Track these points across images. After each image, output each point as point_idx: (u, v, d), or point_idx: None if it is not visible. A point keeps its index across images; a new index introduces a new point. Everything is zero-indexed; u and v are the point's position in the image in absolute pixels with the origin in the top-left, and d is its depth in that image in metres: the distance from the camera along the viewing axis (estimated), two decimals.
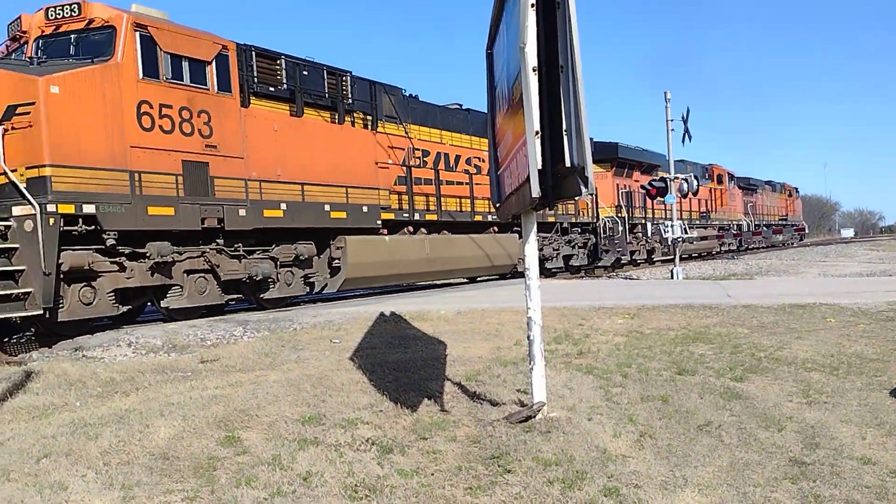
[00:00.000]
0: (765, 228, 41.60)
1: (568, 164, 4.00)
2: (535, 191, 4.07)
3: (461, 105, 19.61)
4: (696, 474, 3.97)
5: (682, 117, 20.10)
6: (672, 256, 19.96)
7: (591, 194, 4.54)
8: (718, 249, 35.60)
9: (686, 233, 21.38)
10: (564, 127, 4.01)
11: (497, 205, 6.31)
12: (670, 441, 4.56)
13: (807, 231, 56.54)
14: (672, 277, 18.91)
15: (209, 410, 5.40)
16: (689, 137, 19.95)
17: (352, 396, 5.83)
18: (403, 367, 6.99)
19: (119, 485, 4.00)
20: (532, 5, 4.13)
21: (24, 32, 11.17)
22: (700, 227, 32.40)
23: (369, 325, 10.31)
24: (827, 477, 3.88)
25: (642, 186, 21.02)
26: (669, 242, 20.19)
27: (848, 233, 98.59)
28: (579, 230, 23.80)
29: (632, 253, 27.44)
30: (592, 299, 12.59)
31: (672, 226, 19.77)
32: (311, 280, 14.31)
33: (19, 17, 11.30)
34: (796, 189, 54.52)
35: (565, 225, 22.82)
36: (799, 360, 6.82)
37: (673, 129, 20.06)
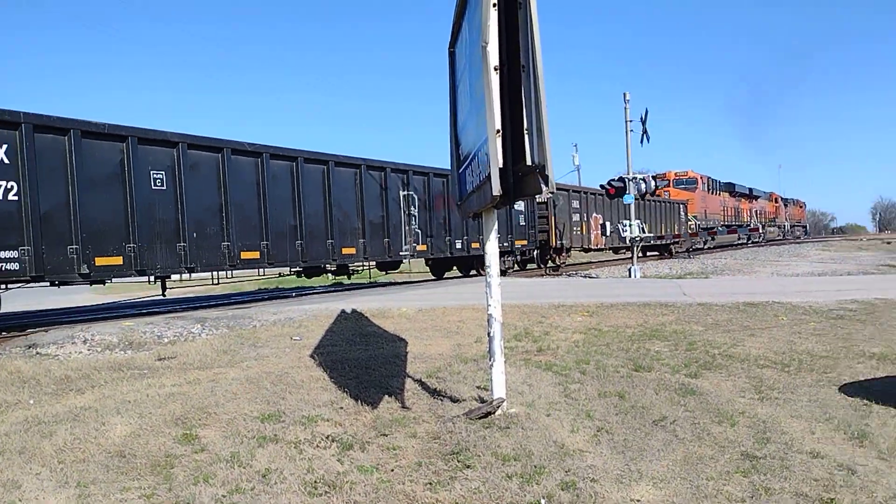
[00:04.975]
0: (790, 228, 67.57)
1: (529, 162, 4.05)
2: (496, 189, 4.11)
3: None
4: (650, 468, 4.06)
5: (641, 118, 20.60)
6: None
7: (553, 193, 4.57)
8: (776, 237, 58.30)
9: (644, 232, 22.03)
10: (525, 126, 4.05)
11: (459, 203, 6.33)
12: (626, 436, 4.64)
13: (808, 230, 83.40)
14: (630, 276, 19.20)
15: (166, 408, 5.34)
16: (648, 138, 20.49)
17: (312, 394, 5.82)
18: (364, 364, 6.99)
19: (74, 483, 3.94)
20: (494, 5, 4.16)
21: (665, 177, 40.85)
22: (771, 226, 57.68)
23: (330, 322, 10.28)
24: (777, 470, 3.99)
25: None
26: (628, 241, 20.53)
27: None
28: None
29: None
30: (553, 297, 12.72)
31: (630, 225, 20.10)
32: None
33: (665, 173, 42.12)
34: (804, 203, 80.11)
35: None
36: (752, 357, 6.99)
37: (632, 130, 20.66)
